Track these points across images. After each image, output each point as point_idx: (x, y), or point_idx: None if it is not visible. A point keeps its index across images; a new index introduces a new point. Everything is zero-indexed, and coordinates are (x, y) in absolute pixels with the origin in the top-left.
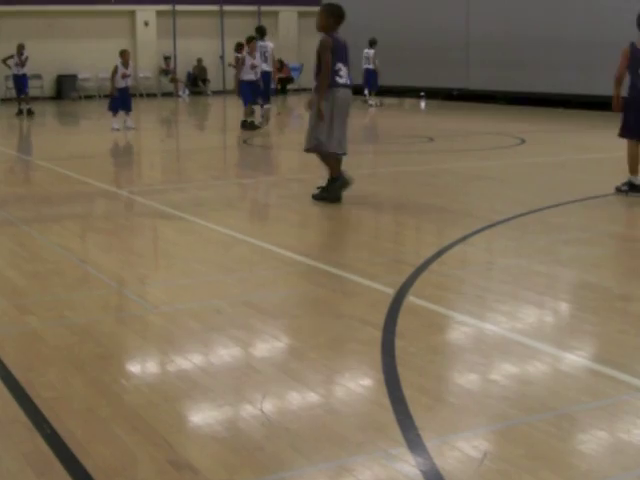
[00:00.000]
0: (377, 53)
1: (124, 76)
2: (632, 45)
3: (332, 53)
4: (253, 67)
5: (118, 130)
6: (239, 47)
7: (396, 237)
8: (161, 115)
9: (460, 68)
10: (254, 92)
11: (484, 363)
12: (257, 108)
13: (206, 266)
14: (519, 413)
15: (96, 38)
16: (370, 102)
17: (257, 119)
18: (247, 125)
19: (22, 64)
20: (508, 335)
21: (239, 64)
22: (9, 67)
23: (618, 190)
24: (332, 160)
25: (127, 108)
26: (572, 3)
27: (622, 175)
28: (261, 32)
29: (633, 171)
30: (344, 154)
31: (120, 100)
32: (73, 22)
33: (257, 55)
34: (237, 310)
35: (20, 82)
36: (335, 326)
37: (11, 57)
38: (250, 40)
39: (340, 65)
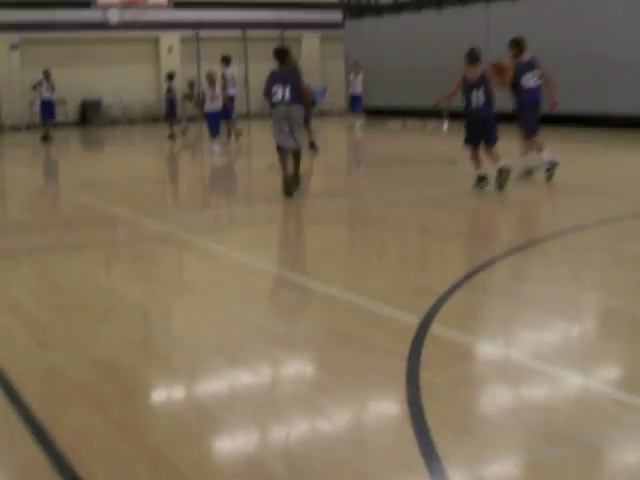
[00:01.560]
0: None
1: (213, 99)
2: (464, 76)
3: (271, 82)
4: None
5: (217, 151)
6: (170, 77)
7: (421, 263)
8: (186, 140)
9: None
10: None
11: (510, 394)
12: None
13: (229, 296)
14: (545, 445)
15: (120, 64)
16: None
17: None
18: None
19: (52, 89)
20: (533, 364)
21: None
22: (39, 93)
23: (474, 186)
24: (280, 157)
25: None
26: (586, 24)
27: None
28: (226, 61)
29: (477, 167)
30: (280, 147)
31: (215, 123)
32: (97, 49)
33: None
34: (261, 342)
35: (49, 107)
36: (360, 357)
37: (40, 83)
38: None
39: (276, 88)
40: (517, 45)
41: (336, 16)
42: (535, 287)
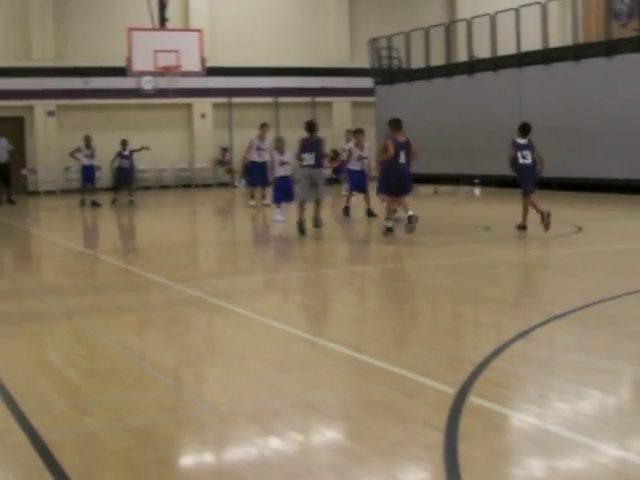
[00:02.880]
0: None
1: (282, 163)
2: (394, 139)
3: (302, 148)
4: (360, 158)
5: (282, 222)
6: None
7: (455, 332)
8: (217, 206)
9: None
10: (358, 180)
11: (548, 467)
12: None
13: (264, 364)
14: None
15: (154, 130)
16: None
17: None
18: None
19: (92, 155)
20: (572, 437)
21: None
22: (78, 159)
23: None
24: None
25: (289, 197)
26: (619, 92)
27: None
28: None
29: (389, 219)
30: (301, 201)
31: (282, 189)
32: (131, 115)
33: (366, 146)
34: (295, 412)
35: (89, 173)
36: (396, 429)
37: (78, 150)
38: (357, 132)
39: (304, 155)
40: (393, 124)
41: (367, 82)
42: (572, 357)
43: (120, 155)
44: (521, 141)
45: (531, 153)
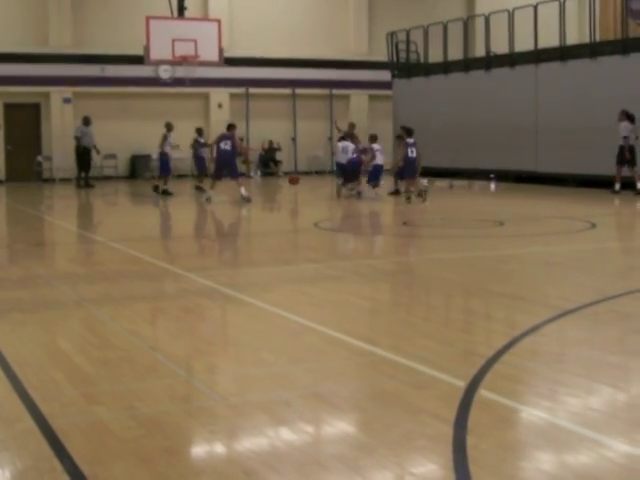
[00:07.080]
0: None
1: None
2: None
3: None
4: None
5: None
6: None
7: (466, 326)
8: (233, 196)
9: (529, 151)
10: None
11: (557, 461)
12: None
13: (275, 355)
14: None
15: (170, 119)
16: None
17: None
18: None
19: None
20: (581, 431)
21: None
22: (162, 146)
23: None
24: None
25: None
26: (635, 90)
27: None
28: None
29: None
30: None
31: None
32: (148, 103)
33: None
34: (306, 402)
35: (167, 161)
36: (405, 421)
37: (165, 138)
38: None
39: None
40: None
41: (385, 75)
42: (582, 352)
43: (198, 143)
44: None
45: None
